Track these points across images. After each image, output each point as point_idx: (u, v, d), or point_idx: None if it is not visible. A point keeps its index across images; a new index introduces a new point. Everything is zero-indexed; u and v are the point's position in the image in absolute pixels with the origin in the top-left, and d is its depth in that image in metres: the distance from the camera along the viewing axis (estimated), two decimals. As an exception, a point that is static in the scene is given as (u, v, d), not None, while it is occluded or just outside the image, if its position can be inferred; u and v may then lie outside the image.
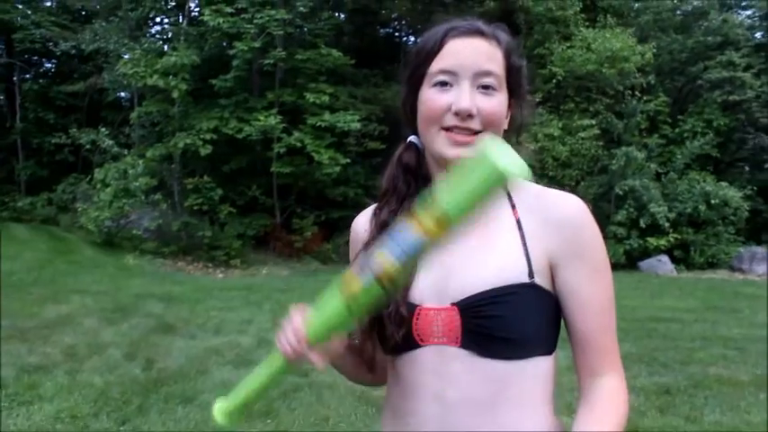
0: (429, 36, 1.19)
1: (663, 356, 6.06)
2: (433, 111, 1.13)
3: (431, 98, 1.14)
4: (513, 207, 1.15)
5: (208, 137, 12.75)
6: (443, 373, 1.10)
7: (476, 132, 1.12)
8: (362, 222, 1.32)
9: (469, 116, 1.11)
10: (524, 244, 1.11)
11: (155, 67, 12.73)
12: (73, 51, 16.77)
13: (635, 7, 18.23)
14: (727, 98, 16.36)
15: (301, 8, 13.21)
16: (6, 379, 4.84)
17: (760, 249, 14.68)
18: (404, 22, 19.73)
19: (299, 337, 1.08)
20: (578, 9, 16.28)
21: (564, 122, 15.00)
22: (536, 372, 1.11)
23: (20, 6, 17.51)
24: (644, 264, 13.94)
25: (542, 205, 1.14)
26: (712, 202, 14.59)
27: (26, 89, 17.41)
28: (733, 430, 4.30)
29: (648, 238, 14.09)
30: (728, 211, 14.83)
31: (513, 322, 1.07)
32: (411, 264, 0.99)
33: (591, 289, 1.11)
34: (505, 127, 1.18)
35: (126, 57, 13.84)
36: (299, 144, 12.94)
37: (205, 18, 13.06)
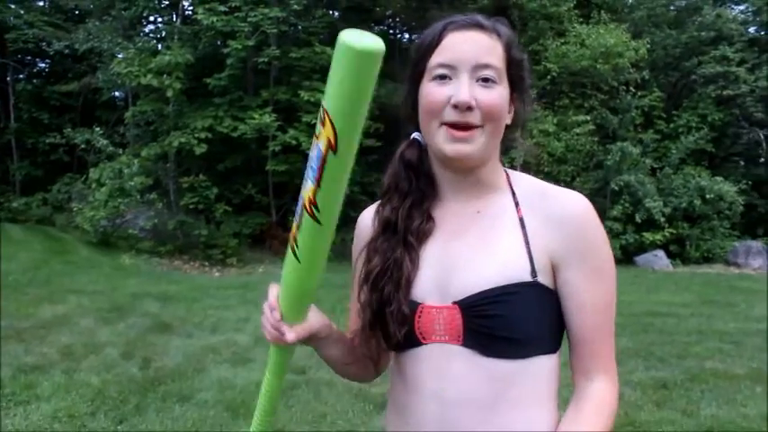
0: (428, 31, 1.19)
1: (659, 351, 6.08)
2: (432, 104, 1.13)
3: (430, 92, 1.13)
4: (517, 205, 1.15)
5: (202, 136, 12.73)
6: (445, 371, 1.10)
7: (475, 127, 1.10)
8: (367, 218, 1.32)
9: (468, 109, 1.09)
10: (527, 242, 1.11)
11: (149, 66, 12.70)
12: (66, 51, 16.71)
13: (629, 3, 18.27)
14: (721, 93, 16.39)
15: (295, 6, 13.19)
16: (3, 379, 4.84)
17: (755, 243, 14.73)
18: (398, 20, 19.71)
19: (273, 314, 1.13)
20: (572, 5, 16.29)
21: (559, 118, 15.01)
22: (539, 371, 1.10)
23: (12, 6, 17.45)
24: (640, 259, 13.98)
25: (546, 203, 1.13)
26: (707, 196, 14.62)
27: (20, 89, 17.36)
28: (729, 423, 4.31)
29: (644, 233, 14.12)
30: (723, 205, 14.87)
31: (515, 322, 1.07)
32: (329, 182, 0.97)
33: (590, 290, 1.10)
34: (509, 121, 1.17)
35: (120, 56, 13.80)
36: (294, 142, 12.92)
37: (199, 17, 13.02)
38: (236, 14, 13.02)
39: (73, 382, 4.90)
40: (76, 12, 18.75)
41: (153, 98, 13.40)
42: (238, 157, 13.96)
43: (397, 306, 1.13)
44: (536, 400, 1.10)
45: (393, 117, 17.52)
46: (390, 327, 1.13)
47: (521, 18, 16.16)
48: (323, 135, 0.93)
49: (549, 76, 15.19)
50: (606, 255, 1.13)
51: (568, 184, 13.14)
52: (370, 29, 17.63)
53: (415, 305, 1.13)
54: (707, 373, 5.47)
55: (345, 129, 0.92)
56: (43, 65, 19.15)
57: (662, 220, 14.06)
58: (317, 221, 0.99)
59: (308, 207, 0.98)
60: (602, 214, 14.15)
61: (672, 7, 18.58)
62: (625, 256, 13.95)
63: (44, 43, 17.34)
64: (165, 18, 16.23)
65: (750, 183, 16.00)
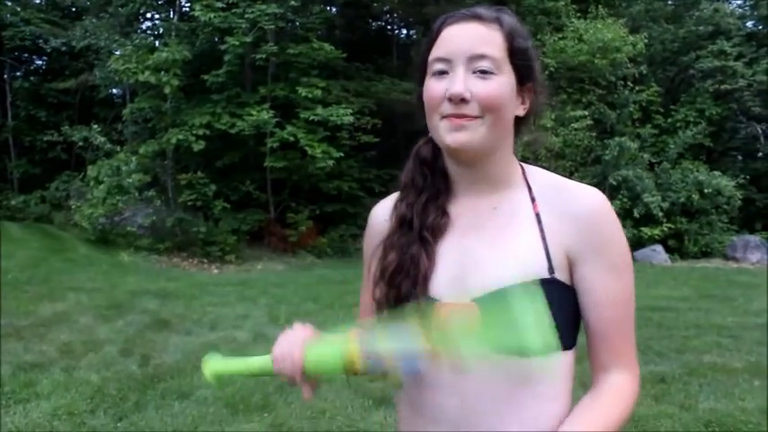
0: (431, 28, 1.19)
1: (658, 345, 6.09)
2: (432, 100, 1.13)
3: (429, 87, 1.13)
4: (533, 200, 1.14)
5: (200, 132, 12.72)
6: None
7: (474, 117, 1.09)
8: (380, 213, 1.31)
9: (463, 101, 1.09)
10: (543, 238, 1.10)
11: (146, 63, 12.68)
12: (63, 48, 16.69)
13: (626, -3, 18.27)
14: (719, 87, 16.41)
15: (293, 2, 13.17)
16: (3, 377, 4.84)
17: (753, 238, 14.74)
18: (395, 15, 19.70)
19: (295, 368, 1.11)
20: (569, 0, 16.28)
21: (557, 113, 15.01)
22: (555, 367, 1.11)
23: (9, 3, 17.42)
24: (638, 253, 13.99)
25: (562, 199, 1.13)
26: (705, 191, 14.64)
27: (17, 87, 17.34)
28: (727, 417, 4.32)
29: (642, 228, 14.13)
30: (722, 200, 14.88)
31: None
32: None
33: (607, 285, 1.10)
34: (520, 113, 1.16)
35: (117, 53, 13.79)
36: (291, 138, 12.92)
37: (196, 13, 13.01)
38: (233, 11, 13.01)
39: (72, 379, 4.91)
40: (73, 9, 18.74)
41: (150, 95, 13.39)
42: (236, 153, 13.96)
43: (416, 303, 1.12)
44: (553, 395, 1.10)
45: (390, 113, 17.54)
46: None
47: (518, 13, 15.95)
48: (440, 353, 1.02)
49: (546, 72, 15.17)
50: (623, 249, 1.13)
51: (566, 180, 13.15)
52: (367, 24, 17.66)
53: (432, 302, 1.13)
54: (705, 367, 5.48)
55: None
56: (40, 62, 19.13)
57: (660, 214, 14.07)
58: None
59: (384, 379, 1.08)
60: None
61: (669, 2, 18.61)
62: (623, 251, 13.93)
63: (41, 41, 17.31)
64: (163, 15, 16.21)
65: (748, 177, 16.01)
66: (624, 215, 14.25)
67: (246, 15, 12.88)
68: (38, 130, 16.83)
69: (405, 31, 21.24)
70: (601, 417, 1.07)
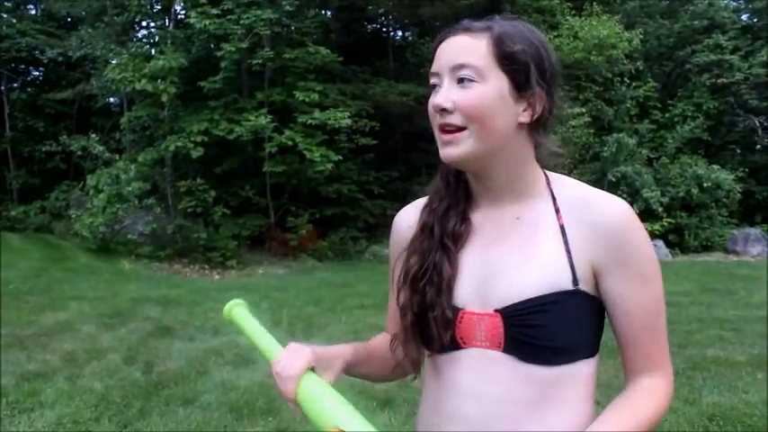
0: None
1: (660, 340, 6.08)
2: (429, 114, 1.14)
3: (429, 102, 1.14)
4: (558, 211, 1.14)
5: (199, 139, 12.72)
6: (484, 373, 1.11)
7: (459, 129, 1.10)
8: (404, 219, 1.32)
9: (445, 110, 1.10)
10: (568, 251, 1.10)
11: (143, 71, 12.69)
12: (60, 59, 16.70)
13: (620, -6, 18.27)
14: (715, 81, 16.42)
15: (287, 7, 13.17)
16: (6, 387, 4.85)
17: (753, 231, 14.76)
18: (391, 18, 19.70)
19: (287, 396, 1.15)
20: (564, -2, 16.31)
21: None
22: (578, 375, 1.11)
23: (5, 16, 17.44)
24: (639, 249, 13.98)
25: (587, 211, 1.12)
26: (705, 185, 14.66)
27: (14, 98, 17.34)
28: (731, 410, 4.33)
29: (642, 224, 14.11)
30: (721, 193, 14.90)
31: (557, 331, 1.07)
32: None
33: (636, 296, 1.10)
34: (525, 119, 1.13)
35: (113, 62, 13.78)
36: (290, 143, 12.92)
37: (191, 20, 13.01)
38: (228, 17, 13.02)
39: (76, 388, 4.91)
40: (69, 19, 18.73)
41: (148, 103, 13.39)
42: (235, 159, 13.96)
43: (441, 311, 1.13)
44: (576, 401, 1.11)
45: (387, 115, 17.53)
46: (433, 331, 1.13)
47: (513, 12, 16.04)
48: None
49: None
50: (650, 258, 1.12)
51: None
52: (363, 27, 17.66)
53: (456, 311, 1.13)
54: (708, 360, 5.49)
55: None
56: (37, 73, 19.14)
57: (660, 209, 14.08)
58: None
59: None
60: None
61: (663, -3, 18.62)
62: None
63: (37, 51, 17.32)
64: (158, 23, 16.21)
65: (747, 170, 16.04)
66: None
67: (242, 21, 12.89)
68: (36, 141, 16.83)
69: (400, 33, 21.24)
70: (631, 417, 1.07)
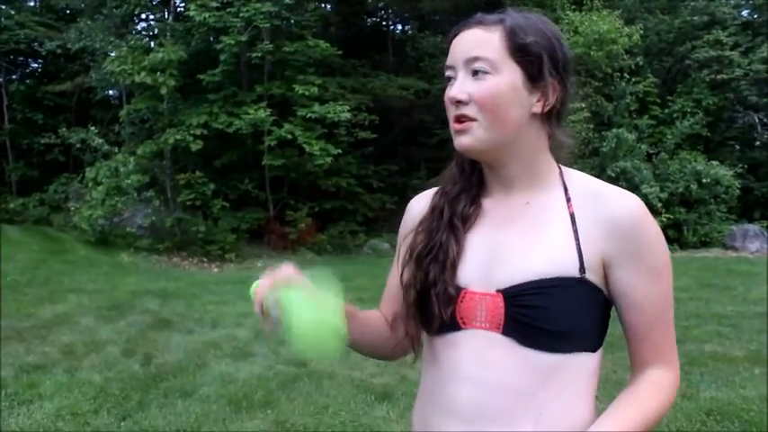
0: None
1: (658, 335, 6.09)
2: (446, 106, 1.16)
3: (445, 95, 1.17)
4: (569, 201, 1.15)
5: (198, 132, 12.70)
6: (483, 357, 1.11)
7: (471, 120, 1.12)
8: (418, 203, 1.33)
9: (459, 102, 1.12)
10: (577, 239, 1.11)
11: (142, 63, 12.65)
12: (59, 51, 16.64)
13: (621, -11, 18.23)
14: (715, 77, 16.40)
15: (287, 0, 13.16)
16: (6, 379, 4.86)
17: (752, 227, 14.76)
18: (391, 11, 19.66)
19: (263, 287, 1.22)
20: (564, -8, 16.27)
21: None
22: (578, 367, 1.11)
23: (3, 7, 17.38)
24: (637, 245, 13.99)
25: (600, 203, 1.13)
26: (704, 181, 14.66)
27: (13, 90, 17.29)
28: (728, 405, 4.35)
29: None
30: (720, 189, 14.90)
31: (556, 315, 1.07)
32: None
33: (647, 289, 1.12)
34: (538, 110, 1.15)
35: (113, 54, 13.73)
36: (289, 136, 12.91)
37: (191, 13, 12.97)
38: (228, 10, 12.99)
39: (75, 380, 4.93)
40: (68, 11, 18.67)
41: (147, 96, 13.36)
42: (234, 152, 13.94)
43: (443, 287, 1.14)
44: (575, 394, 1.10)
45: (387, 108, 17.49)
46: (434, 308, 1.14)
47: (513, 6, 16.12)
48: None
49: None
50: (661, 253, 1.14)
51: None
52: (362, 21, 17.63)
53: (458, 289, 1.14)
54: (706, 356, 5.50)
55: None
56: (36, 65, 19.07)
57: (659, 205, 14.08)
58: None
59: None
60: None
61: (664, -8, 18.58)
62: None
63: (36, 43, 17.26)
64: (157, 15, 16.16)
65: (746, 166, 16.02)
66: (623, 207, 14.25)
67: (241, 14, 12.86)
68: (35, 133, 16.79)
69: (400, 27, 21.21)
70: (640, 410, 1.08)
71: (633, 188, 14.12)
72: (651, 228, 1.12)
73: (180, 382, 4.93)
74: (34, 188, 16.43)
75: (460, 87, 1.12)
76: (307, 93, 12.97)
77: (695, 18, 16.99)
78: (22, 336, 6.07)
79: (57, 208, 15.55)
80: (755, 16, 18.17)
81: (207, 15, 12.74)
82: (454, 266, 1.16)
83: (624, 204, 1.12)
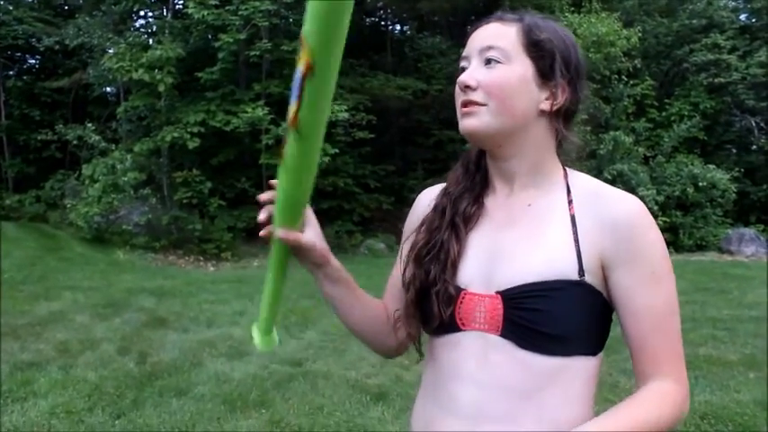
0: None
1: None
2: (455, 94, 1.18)
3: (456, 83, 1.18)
4: (570, 202, 1.15)
5: (195, 130, 12.69)
6: (483, 359, 1.11)
7: (479, 104, 1.14)
8: (425, 199, 1.34)
9: (468, 87, 1.14)
10: (577, 240, 1.10)
11: (140, 61, 12.64)
12: (56, 47, 16.58)
13: (620, -9, 18.26)
14: (713, 81, 16.43)
15: (286, -1, 13.16)
16: (0, 376, 4.84)
17: (748, 231, 14.79)
18: (389, 11, 19.67)
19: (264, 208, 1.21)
20: (563, -6, 16.29)
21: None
22: (577, 370, 1.10)
23: (1, 2, 17.34)
24: (633, 247, 14.00)
25: (600, 204, 1.12)
26: (700, 184, 14.68)
27: (10, 86, 17.24)
28: (723, 409, 4.35)
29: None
30: (716, 193, 14.92)
31: (555, 318, 1.06)
32: (308, 99, 1.02)
33: (645, 295, 1.09)
34: (546, 107, 1.16)
35: (111, 51, 13.72)
36: (287, 135, 12.89)
37: (189, 11, 12.96)
38: (226, 8, 12.98)
39: (70, 378, 4.91)
40: (66, 7, 18.65)
41: (145, 93, 13.34)
42: (231, 150, 13.93)
43: (443, 287, 1.14)
44: (573, 397, 1.10)
45: (385, 109, 17.48)
46: (434, 307, 1.14)
47: (512, 8, 16.03)
48: (302, 59, 1.00)
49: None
50: (660, 258, 1.11)
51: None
52: (361, 20, 17.59)
53: (458, 290, 1.14)
54: (700, 359, 5.51)
55: (320, 50, 1.00)
56: (33, 61, 19.03)
57: (655, 208, 14.09)
58: (299, 134, 1.06)
59: (290, 123, 1.05)
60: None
61: (663, -5, 18.61)
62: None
63: (34, 39, 17.21)
64: (156, 12, 16.16)
65: (742, 170, 16.06)
66: (619, 209, 14.27)
67: (240, 12, 12.85)
68: (32, 129, 16.74)
69: (399, 27, 21.23)
70: (628, 420, 1.03)
71: (630, 191, 13.88)
72: (651, 231, 1.11)
73: (175, 381, 4.92)
74: (30, 185, 16.40)
75: (471, 74, 1.15)
76: (305, 92, 12.94)
77: (693, 21, 17.03)
78: (17, 333, 6.05)
79: (53, 205, 15.52)
80: (753, 20, 18.22)
81: (205, 13, 12.73)
82: (455, 266, 1.16)
83: (624, 205, 1.12)
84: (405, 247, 1.27)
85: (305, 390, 4.76)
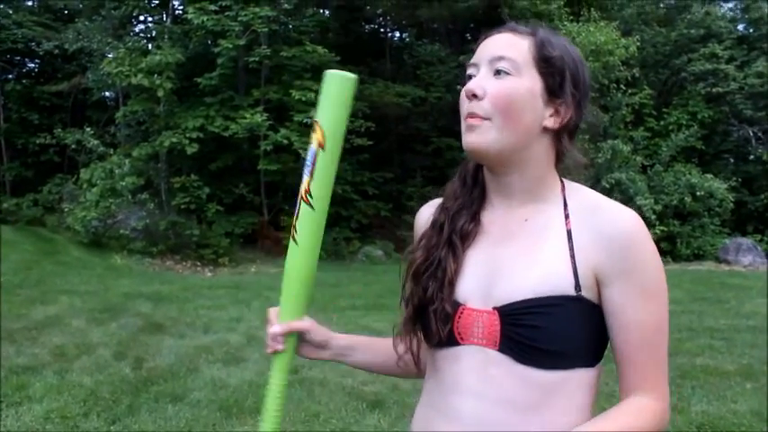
0: None
1: (650, 347, 6.09)
2: (460, 101, 1.16)
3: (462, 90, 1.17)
4: (567, 217, 1.14)
5: (194, 135, 12.70)
6: (483, 373, 1.11)
7: (484, 118, 1.12)
8: (424, 216, 1.33)
9: (475, 96, 1.12)
10: (573, 256, 1.10)
11: (139, 65, 12.66)
12: (56, 51, 16.60)
13: (618, 1, 18.31)
14: (710, 90, 16.46)
15: (286, 5, 13.19)
16: (-5, 381, 4.83)
17: (745, 240, 14.79)
18: (389, 18, 19.72)
19: (271, 327, 1.27)
20: (562, 3, 16.33)
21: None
22: (576, 383, 1.10)
23: (1, 6, 17.35)
24: (631, 256, 13.99)
25: (596, 218, 1.12)
26: (698, 194, 14.68)
27: (9, 89, 17.25)
28: (720, 420, 4.34)
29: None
30: (714, 202, 14.93)
31: (553, 334, 1.06)
32: (320, 174, 1.23)
33: (636, 310, 1.09)
34: (550, 124, 1.16)
35: (110, 56, 13.74)
36: (285, 141, 12.91)
37: (189, 16, 13.00)
38: (226, 14, 13.01)
39: (65, 382, 4.90)
40: (66, 11, 18.65)
41: (143, 98, 13.36)
42: (230, 156, 13.94)
43: (441, 305, 1.14)
44: (574, 408, 1.10)
45: (383, 116, 17.51)
46: (432, 324, 1.15)
47: (511, 17, 16.18)
48: (314, 138, 1.21)
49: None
50: (655, 274, 1.11)
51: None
52: (360, 27, 17.60)
53: (456, 305, 1.14)
54: (697, 369, 5.50)
55: (331, 131, 1.22)
56: (33, 65, 19.04)
57: (653, 217, 14.08)
58: (312, 207, 1.21)
59: (304, 197, 1.21)
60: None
61: (661, 5, 18.67)
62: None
63: (33, 43, 17.23)
64: (156, 17, 16.19)
65: (740, 180, 16.07)
66: (617, 218, 14.27)
67: (239, 18, 12.88)
68: (30, 133, 16.73)
69: (398, 34, 21.27)
70: (606, 428, 1.04)
71: (628, 200, 14.16)
72: (646, 247, 1.11)
73: (171, 387, 4.91)
74: (28, 188, 16.37)
75: (479, 82, 1.13)
76: (303, 98, 12.96)
77: (692, 31, 17.07)
78: (13, 337, 6.03)
79: (51, 209, 15.50)
80: (751, 30, 18.27)
81: (205, 19, 12.76)
82: (452, 284, 1.15)
83: (620, 221, 1.10)
84: (404, 266, 1.27)
85: (301, 397, 4.74)
